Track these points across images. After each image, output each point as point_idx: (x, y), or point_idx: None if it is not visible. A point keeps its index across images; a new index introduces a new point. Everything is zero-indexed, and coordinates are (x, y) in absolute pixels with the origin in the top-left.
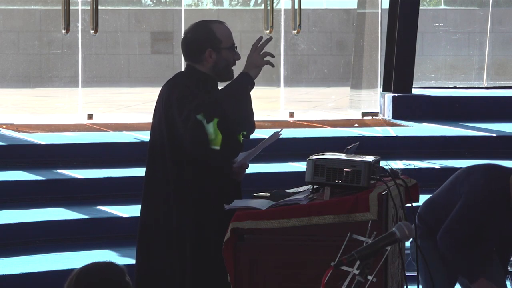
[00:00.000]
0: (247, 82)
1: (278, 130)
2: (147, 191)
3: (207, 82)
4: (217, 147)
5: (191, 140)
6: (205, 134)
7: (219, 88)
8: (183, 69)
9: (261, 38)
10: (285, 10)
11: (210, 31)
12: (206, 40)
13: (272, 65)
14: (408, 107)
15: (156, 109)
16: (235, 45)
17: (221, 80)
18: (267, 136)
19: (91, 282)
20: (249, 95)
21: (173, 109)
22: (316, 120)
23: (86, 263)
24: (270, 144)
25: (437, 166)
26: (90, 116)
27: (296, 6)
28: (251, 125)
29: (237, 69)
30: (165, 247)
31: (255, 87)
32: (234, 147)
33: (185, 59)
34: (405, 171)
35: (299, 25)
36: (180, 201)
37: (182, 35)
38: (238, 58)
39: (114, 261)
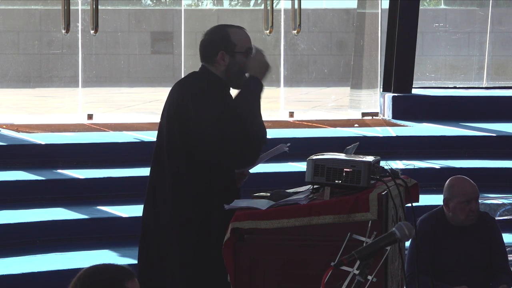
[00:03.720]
0: (259, 86)
1: (285, 145)
2: (151, 190)
3: (217, 84)
4: (235, 151)
5: (209, 144)
6: (223, 138)
7: (230, 93)
8: (183, 70)
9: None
10: (285, 10)
11: (225, 34)
12: (220, 43)
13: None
14: (408, 107)
15: (165, 108)
16: (252, 51)
17: (232, 85)
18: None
19: (97, 281)
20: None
21: (188, 110)
22: (316, 120)
23: (86, 263)
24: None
25: (437, 166)
26: (90, 116)
27: (296, 6)
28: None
29: None
30: (166, 247)
31: None
32: (253, 152)
33: (201, 60)
34: (405, 171)
35: (299, 25)
36: (184, 200)
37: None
38: None
39: (114, 263)
